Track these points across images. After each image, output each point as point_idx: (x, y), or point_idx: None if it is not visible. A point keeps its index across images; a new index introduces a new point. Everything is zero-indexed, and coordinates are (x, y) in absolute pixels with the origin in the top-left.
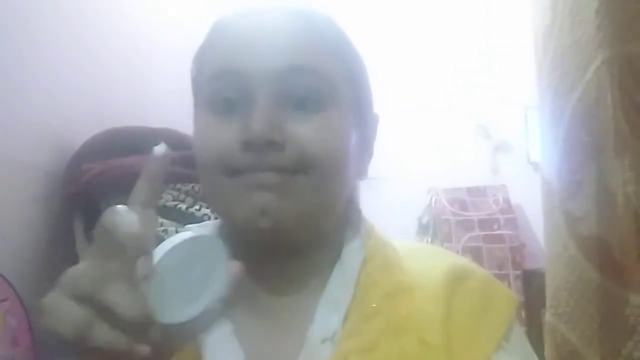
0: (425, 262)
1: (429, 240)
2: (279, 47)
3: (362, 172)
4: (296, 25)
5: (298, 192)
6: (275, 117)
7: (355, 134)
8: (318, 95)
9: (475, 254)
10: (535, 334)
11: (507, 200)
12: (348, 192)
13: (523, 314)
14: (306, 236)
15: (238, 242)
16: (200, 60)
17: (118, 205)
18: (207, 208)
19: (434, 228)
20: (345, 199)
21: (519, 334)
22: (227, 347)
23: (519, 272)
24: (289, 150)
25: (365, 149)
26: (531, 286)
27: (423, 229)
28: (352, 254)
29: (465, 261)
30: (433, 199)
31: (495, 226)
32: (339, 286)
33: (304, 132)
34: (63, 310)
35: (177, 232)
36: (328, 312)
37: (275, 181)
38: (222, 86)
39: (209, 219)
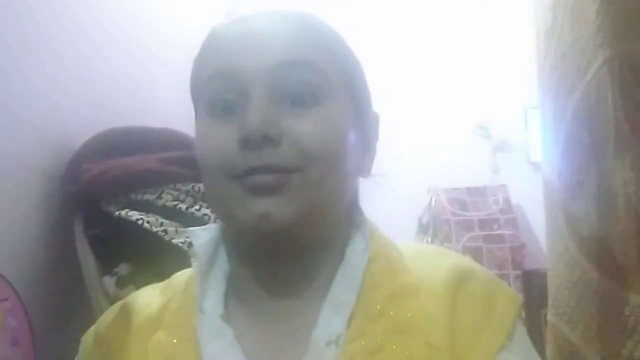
0: (429, 263)
1: (429, 240)
2: (271, 44)
3: (363, 171)
4: (288, 24)
5: (296, 192)
6: (270, 113)
7: (353, 130)
8: (312, 89)
9: (475, 254)
10: (535, 334)
11: (507, 200)
12: (349, 191)
13: (523, 314)
14: (307, 236)
15: (240, 246)
16: (198, 67)
17: None
18: (207, 208)
19: (434, 228)
20: (347, 197)
21: (522, 333)
22: (229, 354)
23: (519, 272)
24: (285, 145)
25: (366, 147)
26: (531, 286)
27: (423, 229)
28: (355, 256)
29: (468, 261)
30: (433, 199)
31: (495, 226)
32: (343, 288)
33: (300, 127)
34: None
35: (177, 232)
36: (332, 314)
37: (274, 183)
38: (219, 88)
39: (209, 218)
